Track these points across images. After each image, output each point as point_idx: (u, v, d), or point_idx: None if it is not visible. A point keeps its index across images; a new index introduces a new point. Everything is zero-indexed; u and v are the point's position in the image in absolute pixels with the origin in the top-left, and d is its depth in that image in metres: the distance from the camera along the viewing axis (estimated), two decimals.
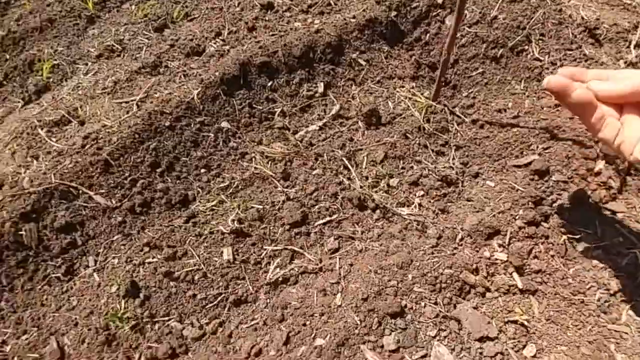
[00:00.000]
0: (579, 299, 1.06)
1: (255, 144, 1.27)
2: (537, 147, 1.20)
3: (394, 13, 1.55)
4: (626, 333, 1.02)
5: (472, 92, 1.48)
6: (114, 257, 1.08)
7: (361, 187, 1.17)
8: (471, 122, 1.33)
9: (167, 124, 1.22)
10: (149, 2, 1.74)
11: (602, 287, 1.07)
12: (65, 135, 1.33)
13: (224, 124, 1.27)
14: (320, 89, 1.36)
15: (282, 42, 1.35)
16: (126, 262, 1.06)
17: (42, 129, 1.35)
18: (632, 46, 1.48)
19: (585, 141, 1.19)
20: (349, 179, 1.20)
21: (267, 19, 1.58)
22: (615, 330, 1.02)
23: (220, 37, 1.53)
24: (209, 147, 1.25)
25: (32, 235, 1.07)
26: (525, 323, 1.01)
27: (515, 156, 1.21)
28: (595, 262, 1.09)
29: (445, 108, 1.36)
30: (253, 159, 1.24)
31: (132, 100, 1.34)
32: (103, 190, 1.14)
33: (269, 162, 1.22)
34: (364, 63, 1.44)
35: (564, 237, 1.11)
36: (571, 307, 1.06)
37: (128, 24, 1.67)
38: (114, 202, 1.13)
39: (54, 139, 1.33)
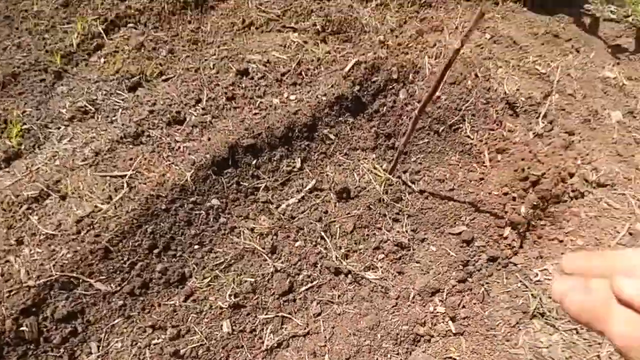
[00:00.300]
0: (491, 334, 1.46)
1: (243, 218, 1.45)
2: (466, 218, 1.57)
3: (357, 87, 1.78)
4: (522, 354, 1.45)
5: (419, 158, 1.80)
6: (117, 341, 1.21)
7: (336, 257, 1.43)
8: (419, 192, 1.65)
9: (163, 207, 1.34)
10: (118, 55, 1.73)
11: (505, 322, 1.48)
12: (48, 213, 1.36)
13: (214, 201, 1.42)
14: (298, 164, 1.57)
15: (265, 123, 1.52)
16: (131, 345, 1.19)
17: (20, 207, 1.36)
18: (540, 118, 1.91)
19: (498, 213, 1.58)
20: (325, 248, 1.45)
21: (243, 85, 1.71)
22: (515, 353, 1.45)
23: (200, 105, 1.63)
24: (201, 224, 1.39)
25: (33, 329, 1.14)
26: (457, 358, 1.38)
27: (450, 225, 1.57)
28: (502, 304, 1.50)
29: (399, 180, 1.66)
30: (242, 234, 1.42)
31: (120, 177, 1.41)
32: (103, 277, 1.24)
33: (257, 237, 1.41)
34: (333, 137, 1.67)
35: (482, 288, 1.50)
36: (486, 340, 1.46)
37: (99, 80, 1.66)
38: (113, 286, 1.24)
39: (35, 217, 1.35)
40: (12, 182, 1.42)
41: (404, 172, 1.72)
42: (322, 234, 1.46)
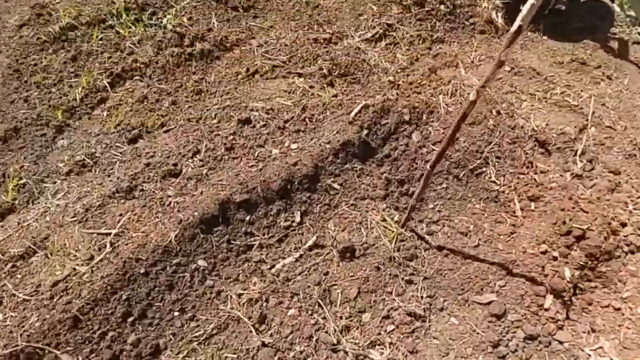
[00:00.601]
0: None
1: (232, 280, 1.29)
2: (495, 284, 1.31)
3: (365, 132, 1.65)
4: None
5: (437, 204, 1.58)
6: None
7: (335, 329, 1.22)
8: (437, 249, 1.43)
9: (142, 270, 1.22)
10: (121, 107, 1.74)
11: None
12: (31, 272, 1.29)
13: (201, 262, 1.29)
14: (297, 218, 1.42)
15: (261, 177, 1.40)
16: None
17: (6, 264, 1.30)
18: (577, 156, 1.65)
19: (536, 277, 1.31)
20: (324, 318, 1.24)
21: (244, 134, 1.63)
22: None
23: (197, 156, 1.56)
24: (184, 288, 1.25)
25: None
26: None
27: (475, 292, 1.31)
28: None
29: (414, 233, 1.45)
30: (229, 299, 1.26)
31: (105, 234, 1.33)
32: (70, 348, 1.11)
33: (245, 303, 1.25)
34: (338, 187, 1.51)
35: None
36: None
37: (100, 134, 1.66)
38: (80, 358, 1.11)
39: (18, 276, 1.28)
40: (3, 238, 1.38)
41: (420, 221, 1.51)
42: (320, 301, 1.26)
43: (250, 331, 1.20)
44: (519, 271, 1.32)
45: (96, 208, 1.41)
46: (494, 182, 1.57)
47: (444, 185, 1.60)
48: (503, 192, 1.55)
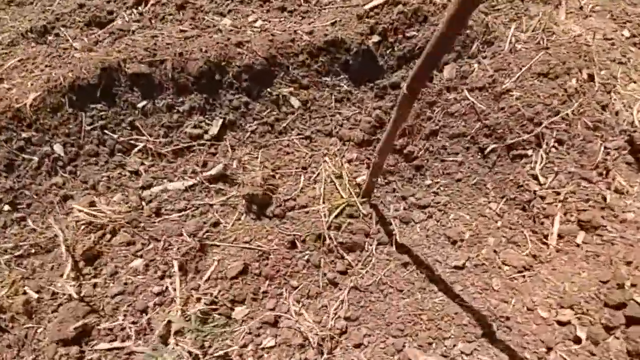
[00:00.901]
0: None
1: (87, 188, 0.89)
2: (453, 347, 0.79)
3: (376, 38, 1.04)
4: None
5: (438, 182, 1.04)
6: None
7: (178, 311, 0.81)
8: (397, 248, 0.91)
9: None
10: None
11: None
12: None
13: (57, 148, 0.88)
14: (214, 130, 0.94)
15: (186, 50, 0.89)
16: None
17: None
18: None
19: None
20: (174, 289, 0.83)
21: None
22: None
23: (140, 8, 1.05)
24: (25, 176, 0.87)
25: None
26: None
27: (417, 345, 0.82)
28: None
29: (373, 212, 0.93)
30: (70, 215, 0.86)
31: None
32: None
33: (83, 230, 0.84)
34: (296, 104, 0.98)
35: None
36: None
37: None
38: None
39: None
40: None
41: (402, 197, 0.99)
42: (176, 268, 0.84)
43: (74, 269, 0.82)
44: (505, 340, 0.80)
45: (6, 46, 1.01)
46: (535, 177, 0.97)
47: (459, 158, 1.04)
48: (543, 198, 0.96)
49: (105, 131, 0.91)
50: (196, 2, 1.10)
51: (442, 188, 1.03)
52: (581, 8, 1.27)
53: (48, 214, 0.86)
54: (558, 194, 0.95)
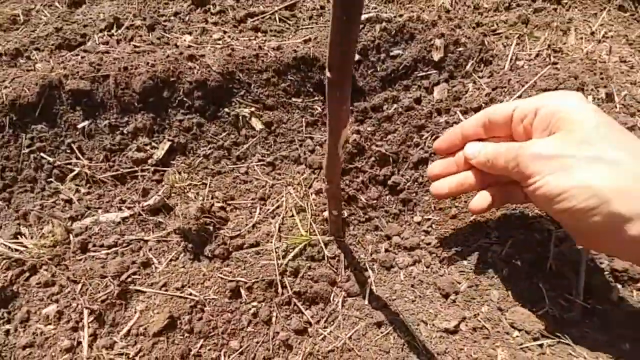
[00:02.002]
0: None
1: (14, 219, 0.76)
2: None
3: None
4: None
5: (429, 217, 0.86)
6: None
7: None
8: (371, 302, 0.72)
9: None
10: None
11: None
12: None
13: None
14: (160, 153, 0.81)
15: (131, 66, 0.81)
16: None
17: None
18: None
19: None
20: (78, 343, 0.66)
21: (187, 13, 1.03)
22: None
23: (111, 31, 1.01)
24: None
25: None
26: None
27: None
28: None
29: (344, 254, 0.75)
30: None
31: None
32: None
33: (3, 265, 0.71)
34: (258, 127, 0.86)
35: None
36: None
37: None
38: None
39: None
40: None
41: (385, 237, 0.81)
42: (97, 317, 0.68)
43: None
44: None
45: None
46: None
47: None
48: (561, 240, 0.75)
49: (43, 154, 0.81)
50: (167, 24, 1.04)
51: (433, 226, 0.85)
52: (592, 34, 1.13)
53: None
54: None
